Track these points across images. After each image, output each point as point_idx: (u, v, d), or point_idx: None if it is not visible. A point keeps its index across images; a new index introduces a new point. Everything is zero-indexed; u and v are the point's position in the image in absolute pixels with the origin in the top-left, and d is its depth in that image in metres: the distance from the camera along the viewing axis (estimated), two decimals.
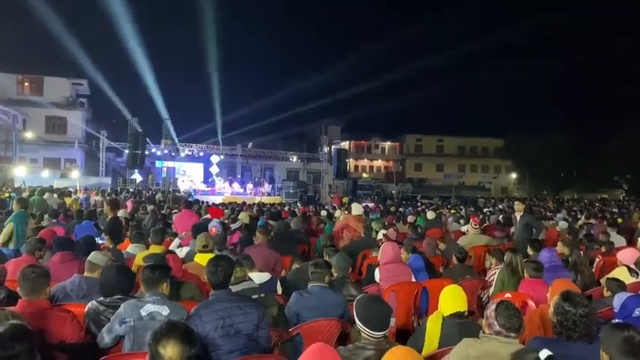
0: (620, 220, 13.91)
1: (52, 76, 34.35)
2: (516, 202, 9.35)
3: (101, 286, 3.54)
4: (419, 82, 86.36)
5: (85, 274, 4.13)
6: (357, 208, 9.81)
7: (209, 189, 29.99)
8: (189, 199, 17.75)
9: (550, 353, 2.15)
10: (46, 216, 9.93)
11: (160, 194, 21.39)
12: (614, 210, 20.47)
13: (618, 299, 3.90)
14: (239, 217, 10.53)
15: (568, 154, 46.86)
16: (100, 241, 6.91)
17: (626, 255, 5.99)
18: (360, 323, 2.75)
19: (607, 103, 70.30)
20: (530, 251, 6.54)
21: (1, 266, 4.25)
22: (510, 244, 8.33)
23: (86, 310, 3.43)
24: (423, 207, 19.82)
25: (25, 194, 13.75)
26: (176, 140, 31.92)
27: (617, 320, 3.59)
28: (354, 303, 2.87)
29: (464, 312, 3.49)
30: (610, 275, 5.26)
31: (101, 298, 3.49)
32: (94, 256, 4.27)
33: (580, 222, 13.35)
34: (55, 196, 14.15)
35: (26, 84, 35.01)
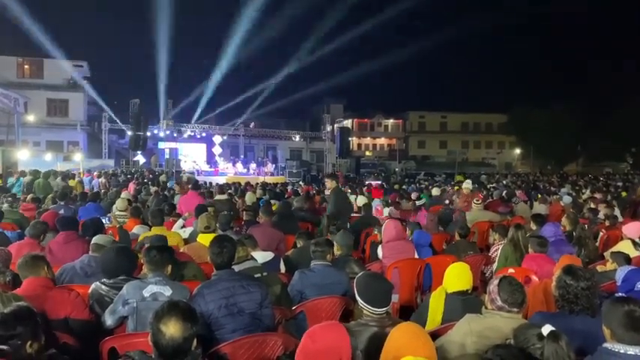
0: (624, 194, 13.88)
1: (51, 58, 34.06)
2: (326, 179, 7.49)
3: (103, 269, 3.56)
4: (421, 58, 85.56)
5: (92, 254, 4.20)
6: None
7: (212, 169, 30.01)
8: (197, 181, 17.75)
9: (552, 328, 2.14)
10: (49, 196, 9.95)
11: (164, 175, 21.42)
12: (618, 184, 20.39)
13: (620, 272, 3.90)
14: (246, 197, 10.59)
15: (572, 127, 46.37)
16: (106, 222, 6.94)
17: (632, 229, 5.98)
18: (361, 300, 2.75)
19: (611, 76, 69.18)
20: (533, 226, 6.51)
21: (6, 250, 4.26)
22: (515, 219, 8.31)
23: (90, 291, 3.45)
24: (427, 184, 19.78)
25: (27, 178, 13.77)
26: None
27: (619, 294, 3.59)
28: (355, 280, 2.87)
29: (467, 290, 3.49)
30: (615, 249, 5.26)
31: (104, 279, 3.50)
32: (98, 238, 4.37)
33: (584, 196, 13.31)
34: (59, 179, 14.17)
35: (26, 67, 34.73)
